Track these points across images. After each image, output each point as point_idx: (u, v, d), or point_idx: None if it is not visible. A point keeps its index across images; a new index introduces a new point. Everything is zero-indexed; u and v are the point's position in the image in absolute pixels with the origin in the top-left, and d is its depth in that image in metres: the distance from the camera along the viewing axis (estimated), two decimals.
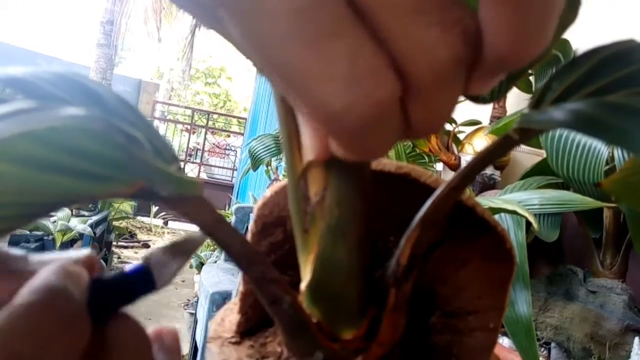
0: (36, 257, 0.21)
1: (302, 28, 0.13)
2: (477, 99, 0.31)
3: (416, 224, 0.25)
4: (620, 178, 0.28)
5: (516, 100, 1.71)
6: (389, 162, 0.32)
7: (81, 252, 0.22)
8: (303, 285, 0.25)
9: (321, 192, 0.24)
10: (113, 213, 4.99)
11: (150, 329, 0.23)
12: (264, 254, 0.33)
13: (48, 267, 0.19)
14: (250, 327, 0.31)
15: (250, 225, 0.32)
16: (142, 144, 0.17)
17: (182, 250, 0.23)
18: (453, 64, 0.14)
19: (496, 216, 0.84)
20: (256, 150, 1.72)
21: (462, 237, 0.31)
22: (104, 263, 4.22)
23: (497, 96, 0.30)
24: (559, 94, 0.22)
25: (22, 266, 0.20)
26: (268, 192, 0.32)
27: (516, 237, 0.84)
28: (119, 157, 0.16)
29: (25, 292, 0.17)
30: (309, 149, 0.21)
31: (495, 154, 0.22)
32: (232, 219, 2.91)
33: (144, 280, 0.21)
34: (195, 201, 0.19)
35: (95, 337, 0.19)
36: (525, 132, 0.21)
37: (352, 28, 0.13)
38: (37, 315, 0.16)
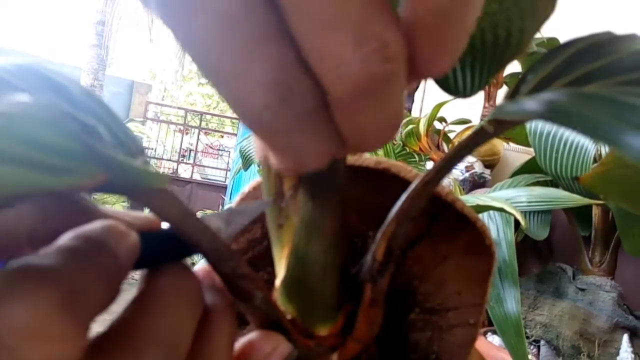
0: (105, 209, 0.22)
1: (228, 31, 0.13)
2: (455, 92, 0.31)
3: (391, 218, 0.25)
4: (599, 172, 0.28)
5: None
6: (368, 157, 0.31)
7: (141, 214, 0.23)
8: (277, 282, 0.25)
9: (294, 186, 0.24)
10: None
11: (198, 268, 0.23)
12: (239, 250, 0.32)
13: (97, 222, 0.19)
14: None
15: None
16: (101, 135, 0.16)
17: (240, 214, 0.24)
18: (368, 81, 0.14)
19: (484, 214, 0.84)
20: (247, 150, 1.71)
21: (442, 232, 0.31)
22: None
23: (471, 92, 0.30)
24: (533, 85, 0.22)
25: (93, 209, 0.21)
26: (246, 188, 0.32)
27: (505, 235, 0.84)
28: (76, 148, 0.15)
29: (66, 237, 0.17)
30: (257, 153, 0.22)
31: (470, 147, 0.22)
32: None
33: None
34: (160, 194, 0.19)
35: (146, 287, 0.19)
36: (499, 123, 0.20)
37: (277, 36, 0.14)
38: (69, 260, 0.16)
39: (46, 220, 0.20)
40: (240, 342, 0.23)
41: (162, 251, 0.21)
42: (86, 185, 0.16)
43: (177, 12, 0.13)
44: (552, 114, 0.17)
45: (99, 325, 0.18)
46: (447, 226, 0.31)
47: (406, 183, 0.30)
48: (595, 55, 0.22)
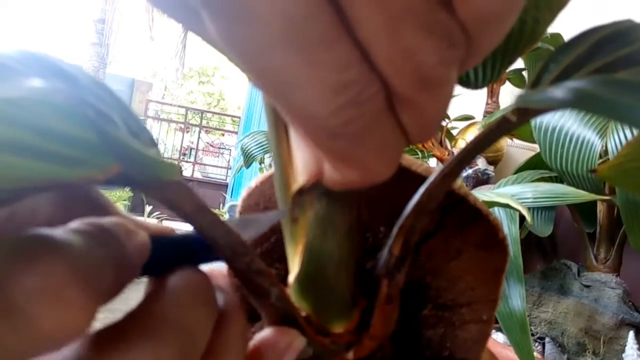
0: (120, 211, 0.22)
1: (293, 35, 0.13)
2: (467, 84, 0.30)
3: (409, 212, 0.24)
4: (616, 164, 0.27)
5: (509, 95, 1.71)
6: None
7: (154, 223, 0.23)
8: (291, 278, 0.25)
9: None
10: None
11: (204, 269, 0.22)
12: (251, 246, 0.32)
13: (110, 217, 0.19)
14: None
15: (236, 216, 0.31)
16: (115, 122, 0.16)
17: (254, 223, 0.23)
18: (440, 69, 0.14)
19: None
20: (248, 147, 1.71)
21: (454, 227, 0.30)
22: None
23: (483, 83, 0.30)
24: (557, 74, 0.21)
25: (111, 208, 0.21)
26: (253, 183, 0.31)
27: (509, 232, 0.84)
28: (90, 138, 0.15)
29: (78, 222, 0.17)
30: (302, 170, 0.20)
31: (492, 138, 0.22)
32: (225, 218, 2.89)
33: (206, 247, 0.21)
34: (175, 186, 0.18)
35: (157, 287, 0.19)
36: (523, 113, 0.20)
37: (341, 36, 0.13)
38: (81, 239, 0.16)
39: (66, 212, 0.19)
40: (254, 340, 0.22)
41: (172, 257, 0.21)
42: (100, 178, 0.16)
43: (235, 17, 0.13)
44: (581, 101, 0.16)
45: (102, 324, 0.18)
46: (460, 220, 0.31)
47: (417, 176, 0.29)
48: (618, 43, 0.21)
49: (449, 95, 0.16)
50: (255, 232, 0.23)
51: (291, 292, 0.25)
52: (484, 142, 0.22)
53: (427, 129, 0.16)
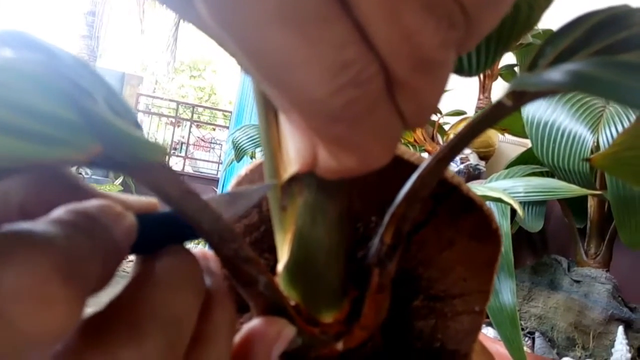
0: (101, 191, 0.21)
1: (289, 11, 0.12)
2: (461, 72, 0.29)
3: (401, 199, 0.23)
4: (611, 153, 0.27)
5: (501, 91, 1.71)
6: None
7: (139, 197, 0.22)
8: (280, 266, 0.24)
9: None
10: None
11: (196, 251, 0.22)
12: (239, 233, 0.31)
13: (93, 200, 0.18)
14: None
15: None
16: (96, 99, 0.15)
17: (242, 197, 0.23)
18: (441, 50, 0.14)
19: None
20: (240, 141, 1.70)
21: (447, 216, 0.30)
22: None
23: (477, 70, 0.29)
24: (553, 58, 0.20)
25: (87, 188, 0.20)
26: (243, 171, 0.30)
27: (501, 226, 0.83)
28: (69, 114, 0.14)
29: (60, 210, 0.16)
30: (295, 159, 0.19)
31: (487, 123, 0.21)
32: None
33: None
34: (159, 169, 0.18)
35: (145, 266, 0.18)
36: (518, 96, 0.19)
37: (340, 15, 0.13)
38: (63, 230, 0.15)
39: (39, 194, 0.19)
40: (242, 330, 0.22)
41: (160, 235, 0.20)
42: (81, 158, 0.15)
43: None
44: (580, 83, 0.16)
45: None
46: (453, 210, 0.30)
47: (409, 165, 0.29)
48: (615, 27, 0.21)
49: (446, 79, 0.15)
50: (244, 205, 0.22)
51: (280, 281, 0.24)
52: (478, 128, 0.21)
53: (423, 113, 0.16)
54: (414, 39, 0.13)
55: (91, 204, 0.17)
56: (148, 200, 0.22)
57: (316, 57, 0.13)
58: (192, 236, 0.20)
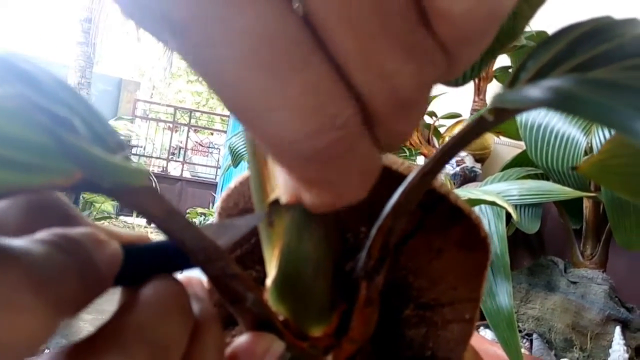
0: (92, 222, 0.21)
1: (262, 56, 0.12)
2: (447, 82, 0.30)
3: (387, 212, 0.24)
4: (597, 161, 0.27)
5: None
6: None
7: (133, 232, 0.22)
8: (268, 281, 0.24)
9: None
10: (95, 213, 4.92)
11: (181, 277, 0.22)
12: (226, 249, 0.31)
13: (80, 228, 0.18)
14: None
15: (215, 218, 0.30)
16: (74, 127, 0.15)
17: (230, 228, 0.23)
18: (421, 87, 0.14)
19: (476, 208, 0.83)
20: (236, 147, 1.70)
21: (435, 226, 0.30)
22: None
23: (463, 82, 0.29)
24: (534, 72, 0.21)
25: (79, 217, 0.20)
26: (232, 183, 0.30)
27: (496, 229, 0.84)
28: (47, 143, 0.14)
29: (43, 232, 0.17)
30: (282, 189, 0.19)
31: (469, 137, 0.21)
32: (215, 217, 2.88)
33: (182, 254, 0.20)
34: (143, 192, 0.18)
35: (131, 296, 0.18)
36: (500, 112, 0.19)
37: (315, 57, 0.12)
38: (43, 248, 0.15)
39: (32, 224, 0.19)
40: (231, 347, 0.22)
41: (148, 266, 0.20)
42: (61, 184, 0.15)
43: (198, 37, 0.12)
44: (557, 101, 0.16)
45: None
46: (441, 219, 0.31)
47: (398, 176, 0.29)
48: (597, 40, 0.21)
49: (422, 113, 0.15)
50: (232, 237, 0.23)
51: (269, 296, 0.24)
52: (462, 142, 0.21)
53: (399, 142, 0.16)
54: (393, 80, 0.13)
55: (76, 229, 0.17)
56: (138, 233, 0.22)
57: (291, 100, 0.12)
58: (182, 267, 0.20)
